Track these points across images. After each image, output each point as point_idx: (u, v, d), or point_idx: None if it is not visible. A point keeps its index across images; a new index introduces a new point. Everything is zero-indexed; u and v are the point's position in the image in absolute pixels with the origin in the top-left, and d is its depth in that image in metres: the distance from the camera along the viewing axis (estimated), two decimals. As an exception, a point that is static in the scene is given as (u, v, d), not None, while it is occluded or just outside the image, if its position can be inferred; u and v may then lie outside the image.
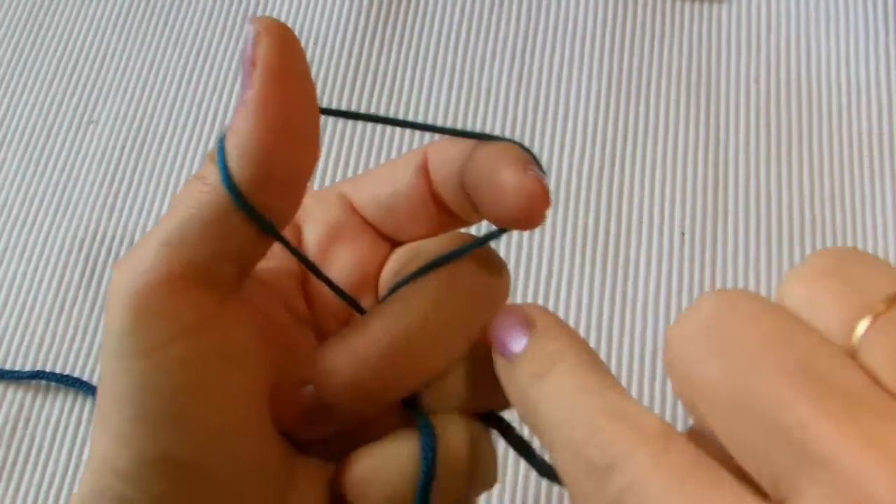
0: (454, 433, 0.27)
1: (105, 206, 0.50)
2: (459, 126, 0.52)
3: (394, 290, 0.27)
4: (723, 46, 0.54)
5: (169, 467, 0.24)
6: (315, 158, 0.25)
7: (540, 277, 0.47)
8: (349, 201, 0.30)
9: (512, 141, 0.27)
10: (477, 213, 0.28)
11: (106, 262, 0.49)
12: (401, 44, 0.54)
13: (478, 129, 0.52)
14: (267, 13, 0.56)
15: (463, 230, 0.29)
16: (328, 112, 0.27)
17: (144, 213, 0.50)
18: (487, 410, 0.28)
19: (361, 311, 0.28)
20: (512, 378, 0.24)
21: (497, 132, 0.51)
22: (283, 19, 0.55)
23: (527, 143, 0.56)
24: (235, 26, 0.56)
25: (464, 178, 0.27)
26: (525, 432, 0.27)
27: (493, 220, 0.27)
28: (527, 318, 0.24)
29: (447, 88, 0.53)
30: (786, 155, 0.50)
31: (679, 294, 0.46)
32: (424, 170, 0.28)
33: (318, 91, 0.53)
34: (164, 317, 0.24)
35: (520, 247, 0.47)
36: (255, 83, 0.24)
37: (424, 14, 0.55)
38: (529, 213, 0.25)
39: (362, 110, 0.52)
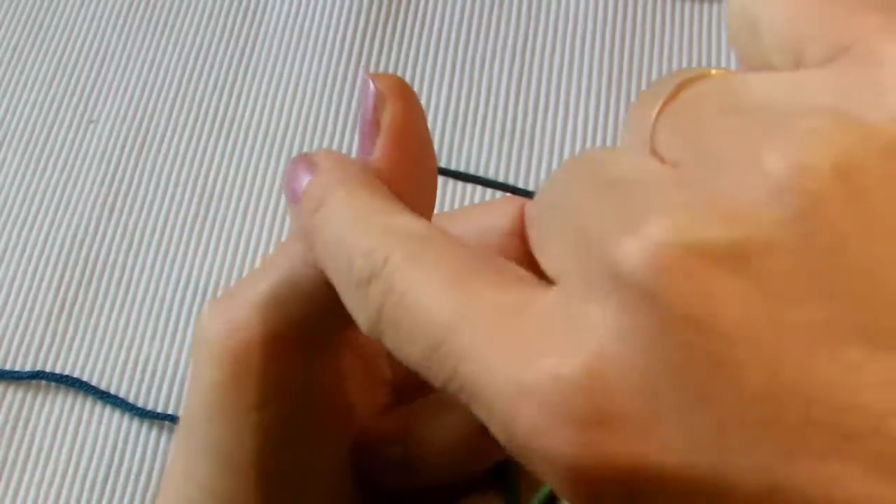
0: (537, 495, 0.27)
1: (105, 206, 0.50)
2: (459, 126, 0.52)
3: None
4: (723, 46, 0.54)
5: None
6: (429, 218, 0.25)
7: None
8: None
9: None
10: None
11: (106, 262, 0.49)
12: (401, 44, 0.54)
13: (478, 128, 0.52)
14: (267, 13, 0.56)
15: None
16: (445, 173, 0.26)
17: (144, 213, 0.50)
18: None
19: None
20: (295, 219, 0.23)
21: (497, 132, 0.51)
22: (283, 19, 0.56)
23: (527, 143, 0.56)
24: (235, 26, 0.56)
25: None
26: None
27: None
28: (310, 161, 0.23)
29: (447, 88, 0.53)
30: (786, 155, 0.50)
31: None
32: (521, 229, 0.27)
33: (319, 91, 0.53)
34: (263, 376, 0.24)
35: (520, 247, 0.47)
36: (380, 150, 0.23)
37: (424, 14, 0.55)
38: None
39: (362, 110, 0.52)
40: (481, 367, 0.17)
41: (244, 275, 0.48)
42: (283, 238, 0.49)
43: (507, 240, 0.27)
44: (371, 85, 0.23)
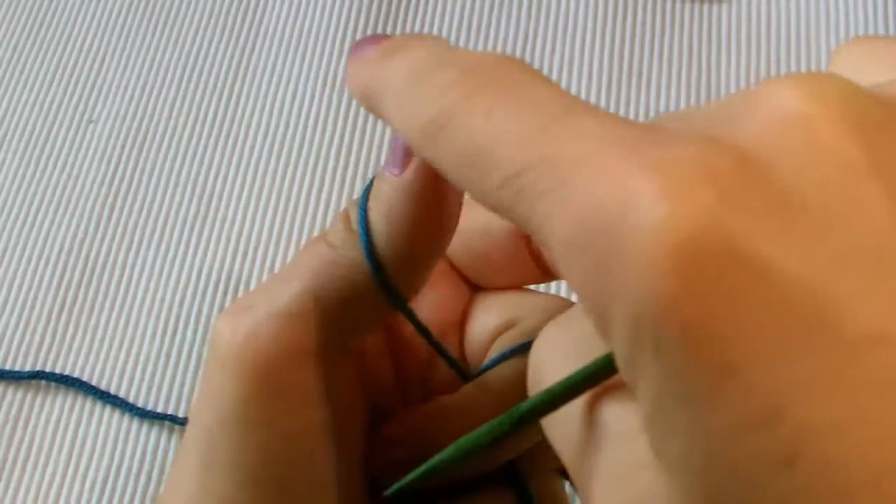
0: (548, 491, 0.27)
1: (105, 206, 0.50)
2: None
3: (501, 359, 0.27)
4: (723, 46, 0.54)
5: None
6: (452, 236, 0.24)
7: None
8: None
9: None
10: None
11: (106, 262, 0.48)
12: (401, 44, 0.54)
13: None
14: (267, 13, 0.56)
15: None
16: None
17: (144, 212, 0.50)
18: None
19: (464, 376, 0.28)
20: (356, 73, 0.21)
21: (497, 132, 0.52)
22: (283, 19, 0.56)
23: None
24: (235, 26, 0.56)
25: None
26: None
27: None
28: (381, 37, 0.22)
29: (447, 88, 0.53)
30: (786, 155, 0.50)
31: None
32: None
33: (319, 91, 0.53)
34: (286, 389, 0.23)
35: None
36: (416, 165, 0.22)
37: (424, 14, 0.55)
38: None
39: (362, 110, 0.52)
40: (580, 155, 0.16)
41: (260, 281, 0.48)
42: (283, 238, 0.49)
43: (510, 235, 0.27)
44: None
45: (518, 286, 0.29)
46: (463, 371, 0.28)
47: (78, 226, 0.50)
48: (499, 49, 0.54)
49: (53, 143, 0.52)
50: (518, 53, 0.54)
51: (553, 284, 0.47)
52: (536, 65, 0.54)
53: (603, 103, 0.52)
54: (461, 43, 0.54)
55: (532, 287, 0.29)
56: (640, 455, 0.17)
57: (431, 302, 0.28)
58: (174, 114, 0.53)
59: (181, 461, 0.25)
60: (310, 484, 0.24)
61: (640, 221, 0.15)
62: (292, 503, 0.24)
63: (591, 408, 0.19)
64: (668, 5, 0.55)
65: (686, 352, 0.14)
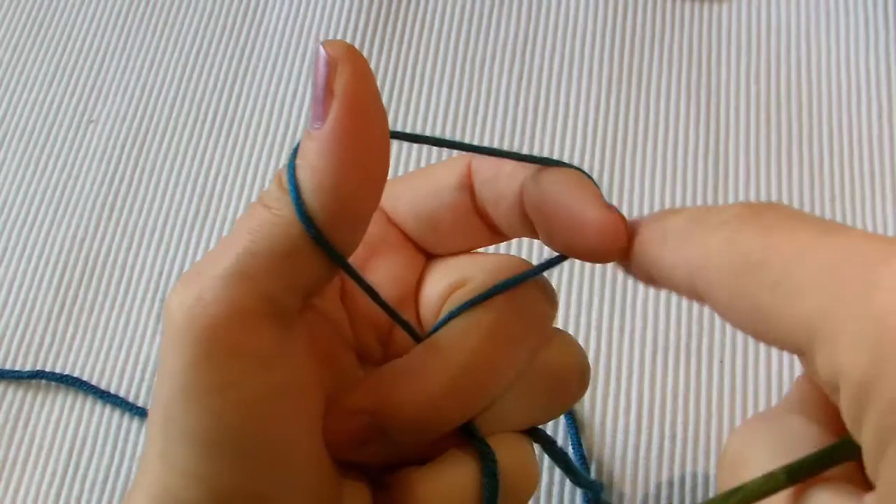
0: (513, 455, 0.27)
1: (105, 206, 0.50)
2: (459, 127, 0.52)
3: (449, 318, 0.27)
4: (723, 46, 0.54)
5: (238, 500, 0.24)
6: (383, 190, 0.25)
7: (540, 277, 0.47)
8: (386, 213, 0.29)
9: (576, 168, 0.26)
10: (527, 233, 0.27)
11: (106, 262, 0.49)
12: (401, 44, 0.54)
13: (478, 128, 0.52)
14: (267, 13, 0.56)
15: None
16: (396, 136, 0.26)
17: (144, 212, 0.50)
18: (531, 426, 0.29)
19: (417, 337, 0.28)
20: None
21: (497, 132, 0.52)
22: (283, 19, 0.56)
23: (527, 144, 0.56)
24: (235, 26, 0.56)
25: (527, 202, 0.26)
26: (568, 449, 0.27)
27: (562, 250, 0.27)
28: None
29: (447, 88, 0.53)
30: (786, 155, 0.50)
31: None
32: (469, 184, 0.28)
33: (318, 91, 0.53)
34: (236, 352, 0.23)
35: (520, 245, 0.47)
36: (334, 116, 0.23)
37: (424, 14, 0.55)
38: (610, 249, 0.25)
39: (362, 110, 0.52)
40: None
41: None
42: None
43: (456, 195, 0.28)
44: (323, 51, 0.23)
45: (469, 250, 0.29)
46: (416, 334, 0.28)
47: (78, 226, 0.50)
48: (499, 49, 0.54)
49: (53, 143, 0.52)
50: (518, 53, 0.54)
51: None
52: (536, 65, 0.54)
53: (603, 104, 0.52)
54: (461, 43, 0.54)
55: (482, 250, 0.30)
56: None
57: (387, 272, 0.29)
58: (174, 114, 0.53)
59: (146, 442, 0.25)
60: (270, 450, 0.24)
61: None
62: (254, 470, 0.24)
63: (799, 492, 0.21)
64: (668, 5, 0.55)
65: None
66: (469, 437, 0.27)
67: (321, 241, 0.24)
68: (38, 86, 0.54)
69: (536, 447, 0.29)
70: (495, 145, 0.51)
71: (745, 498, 0.22)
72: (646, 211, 0.49)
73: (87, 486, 0.43)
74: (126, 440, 0.44)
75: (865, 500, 0.20)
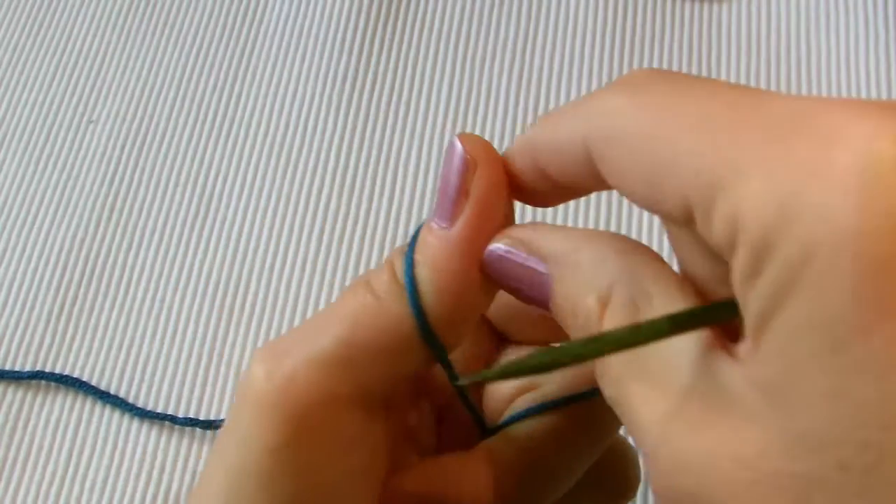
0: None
1: (105, 206, 0.50)
2: (459, 127, 0.52)
3: (518, 418, 0.27)
4: (723, 46, 0.54)
5: None
6: (496, 292, 0.24)
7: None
8: None
9: None
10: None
11: (106, 262, 0.49)
12: (401, 44, 0.54)
13: (478, 129, 0.52)
14: (267, 13, 0.56)
15: None
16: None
17: (144, 213, 0.50)
18: None
19: (485, 429, 0.28)
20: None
21: (497, 132, 0.52)
22: (283, 19, 0.56)
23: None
24: (235, 26, 0.56)
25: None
26: None
27: None
28: None
29: (447, 88, 0.53)
30: (786, 155, 0.50)
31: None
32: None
33: (319, 91, 0.53)
34: (325, 437, 0.23)
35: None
36: (466, 221, 0.22)
37: (424, 14, 0.55)
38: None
39: (362, 110, 0.52)
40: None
41: (260, 282, 0.48)
42: (283, 238, 0.49)
43: None
44: (459, 146, 0.23)
45: (545, 343, 0.29)
46: (484, 424, 0.28)
47: (78, 226, 0.50)
48: (499, 49, 0.54)
49: (53, 143, 0.52)
50: (518, 53, 0.54)
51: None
52: (536, 65, 0.54)
53: (603, 103, 0.52)
54: (461, 43, 0.54)
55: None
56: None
57: (463, 350, 0.28)
58: (174, 114, 0.53)
59: (203, 491, 0.24)
60: None
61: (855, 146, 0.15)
62: None
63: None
64: (668, 5, 0.55)
65: (856, 283, 0.15)
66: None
67: (432, 340, 0.23)
68: (38, 86, 0.54)
69: None
70: (495, 145, 0.51)
71: (611, 343, 0.20)
72: (646, 211, 0.49)
73: (87, 486, 0.43)
74: (126, 440, 0.44)
75: (739, 350, 0.18)
